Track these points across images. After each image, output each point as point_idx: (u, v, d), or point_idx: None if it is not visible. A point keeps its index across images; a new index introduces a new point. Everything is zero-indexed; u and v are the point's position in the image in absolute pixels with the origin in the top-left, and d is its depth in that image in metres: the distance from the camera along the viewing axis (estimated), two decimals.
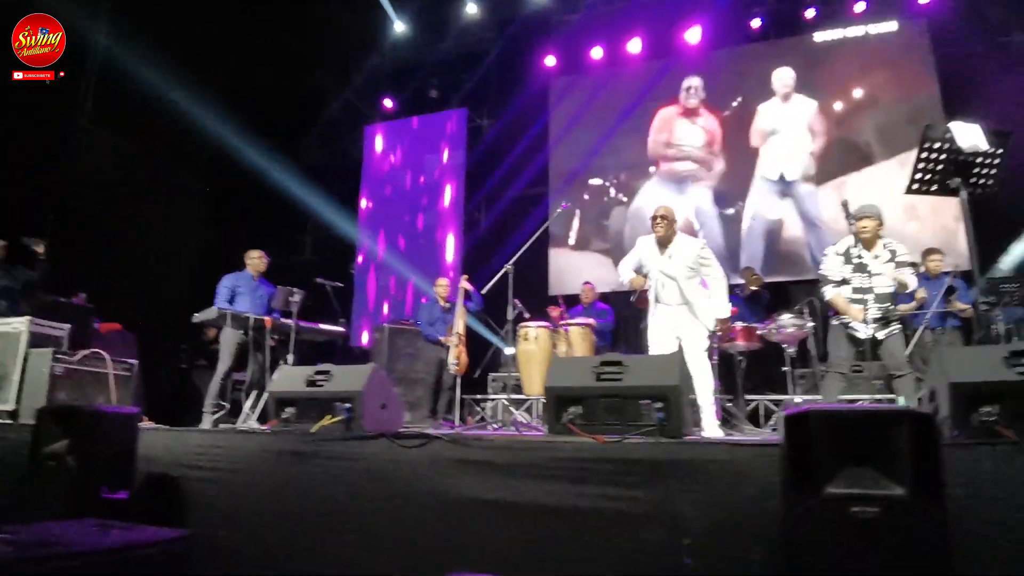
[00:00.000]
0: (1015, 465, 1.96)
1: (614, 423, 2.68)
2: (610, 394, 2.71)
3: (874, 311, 4.01)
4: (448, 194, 9.79)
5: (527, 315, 5.77)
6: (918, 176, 3.30)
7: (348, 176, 10.24)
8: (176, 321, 7.15)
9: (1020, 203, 6.59)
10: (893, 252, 4.08)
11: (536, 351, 5.94)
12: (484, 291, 5.28)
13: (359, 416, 3.02)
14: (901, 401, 3.85)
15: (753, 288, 6.48)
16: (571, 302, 7.43)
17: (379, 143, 10.49)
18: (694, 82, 8.86)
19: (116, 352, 4.87)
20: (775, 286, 7.29)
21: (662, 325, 4.31)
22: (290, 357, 4.93)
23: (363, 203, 10.31)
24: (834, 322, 4.28)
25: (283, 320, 5.25)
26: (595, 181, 9.19)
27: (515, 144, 9.77)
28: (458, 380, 5.78)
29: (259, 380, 5.16)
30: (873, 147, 7.88)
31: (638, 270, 4.44)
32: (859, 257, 4.10)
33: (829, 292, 4.25)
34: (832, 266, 4.24)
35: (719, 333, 4.99)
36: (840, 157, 8.00)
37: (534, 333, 5.98)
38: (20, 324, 4.55)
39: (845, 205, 4.00)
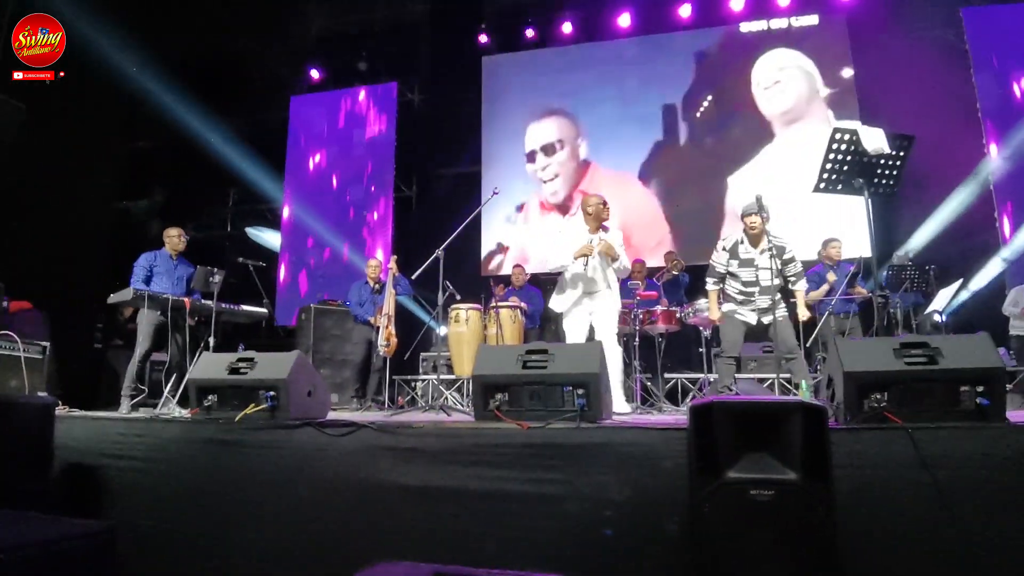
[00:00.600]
0: (900, 447, 2.17)
1: (538, 409, 2.80)
2: (534, 381, 2.82)
3: (761, 302, 4.34)
4: (375, 169, 9.57)
5: (458, 296, 5.81)
6: (825, 176, 3.52)
7: (273, 149, 9.83)
8: (89, 298, 6.77)
9: (920, 197, 7.17)
10: (781, 249, 4.38)
11: (467, 332, 6.01)
12: (415, 276, 5.26)
13: (284, 404, 2.99)
14: (804, 386, 4.14)
15: (674, 272, 6.72)
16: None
17: (305, 114, 10.13)
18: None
19: (27, 333, 4.60)
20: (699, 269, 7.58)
21: (578, 309, 4.48)
22: (211, 340, 4.78)
23: (288, 177, 9.95)
24: (724, 309, 4.56)
25: (203, 302, 5.07)
26: (529, 166, 9.24)
27: (447, 120, 9.70)
28: (387, 361, 5.77)
29: (179, 363, 4.97)
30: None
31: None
32: (747, 252, 4.40)
33: (709, 284, 4.63)
34: (719, 260, 4.56)
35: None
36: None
37: (465, 315, 6.04)
38: None
39: (759, 199, 4.23)
